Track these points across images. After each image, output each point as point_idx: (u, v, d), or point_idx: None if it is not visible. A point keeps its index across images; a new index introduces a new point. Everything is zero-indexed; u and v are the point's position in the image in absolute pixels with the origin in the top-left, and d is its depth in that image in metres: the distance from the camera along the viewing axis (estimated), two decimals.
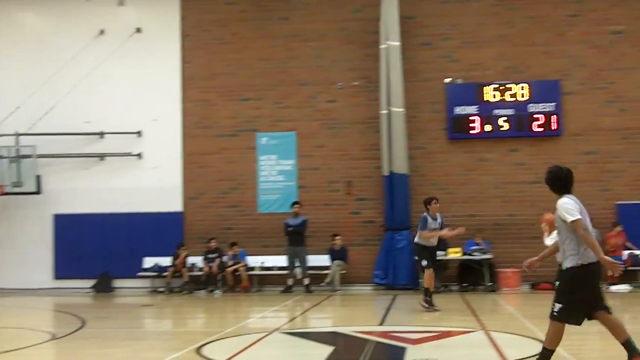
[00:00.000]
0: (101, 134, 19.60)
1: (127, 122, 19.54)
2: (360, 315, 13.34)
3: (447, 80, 18.70)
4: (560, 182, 7.24)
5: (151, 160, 19.54)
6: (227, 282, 18.31)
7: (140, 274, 18.97)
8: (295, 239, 17.80)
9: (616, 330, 7.04)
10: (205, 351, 8.93)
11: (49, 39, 20.12)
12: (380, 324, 11.78)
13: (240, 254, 18.49)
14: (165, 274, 18.54)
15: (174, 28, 19.69)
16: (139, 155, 19.55)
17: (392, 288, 17.66)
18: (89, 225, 19.47)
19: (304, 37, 19.42)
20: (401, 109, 18.24)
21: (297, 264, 17.91)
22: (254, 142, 19.36)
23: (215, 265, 18.31)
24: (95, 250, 19.27)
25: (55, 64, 19.66)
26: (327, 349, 9.03)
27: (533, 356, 7.41)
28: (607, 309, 6.99)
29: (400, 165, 18.18)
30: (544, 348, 7.08)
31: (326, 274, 18.09)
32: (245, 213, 19.27)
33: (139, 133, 19.57)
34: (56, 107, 19.30)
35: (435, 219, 13.28)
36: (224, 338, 10.24)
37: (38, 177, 18.97)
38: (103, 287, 19.02)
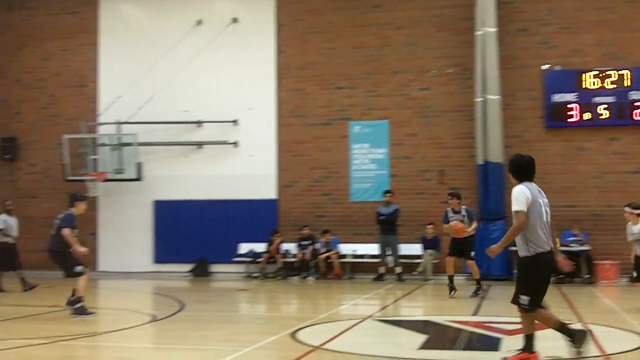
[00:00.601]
0: (199, 123, 20.09)
1: (223, 111, 19.97)
2: (452, 304, 13.26)
3: (545, 67, 18.27)
4: (521, 169, 7.28)
5: (247, 148, 19.91)
6: (319, 269, 18.53)
7: (235, 259, 19.41)
8: (387, 227, 17.83)
9: (528, 325, 7.17)
10: (300, 336, 9.10)
11: (149, 30, 20.75)
12: (474, 314, 11.69)
13: (333, 242, 18.66)
14: (259, 259, 18.91)
15: (269, 18, 19.97)
16: (235, 143, 19.95)
17: (485, 278, 17.42)
18: (187, 211, 20.04)
19: (397, 24, 19.35)
20: (497, 97, 17.96)
21: (388, 252, 17.94)
22: (346, 131, 19.45)
23: (308, 252, 18.56)
24: (193, 235, 19.83)
25: (154, 54, 20.28)
26: (421, 337, 9.04)
27: (633, 350, 7.23)
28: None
29: (496, 154, 17.91)
30: (525, 335, 7.16)
31: (418, 263, 18.05)
32: (337, 201, 19.42)
33: (235, 122, 19.97)
34: (156, 96, 19.89)
35: (458, 212, 13.93)
36: (317, 324, 10.39)
37: (139, 165, 19.63)
38: (200, 272, 19.55)
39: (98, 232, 20.71)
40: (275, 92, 19.90)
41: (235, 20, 20.18)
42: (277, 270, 18.68)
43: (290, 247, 19.00)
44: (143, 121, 19.84)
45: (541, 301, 7.20)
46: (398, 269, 17.69)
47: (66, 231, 11.49)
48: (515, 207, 7.05)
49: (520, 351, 7.18)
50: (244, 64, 20.06)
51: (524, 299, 7.08)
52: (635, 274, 12.12)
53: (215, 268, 19.74)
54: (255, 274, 18.91)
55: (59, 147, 19.98)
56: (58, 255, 11.75)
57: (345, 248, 18.80)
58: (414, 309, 13.75)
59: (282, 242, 18.98)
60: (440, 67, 18.97)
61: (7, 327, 10.55)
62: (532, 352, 7.12)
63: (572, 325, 7.38)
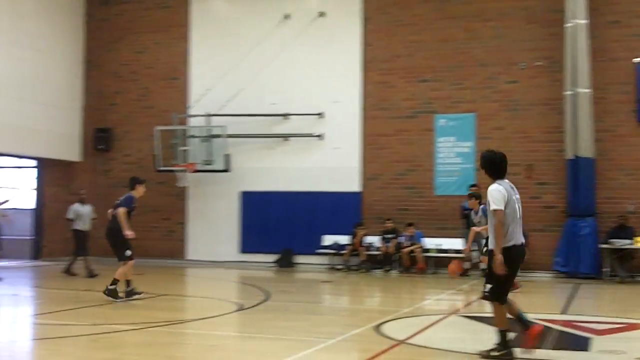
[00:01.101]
0: (285, 116, 20.34)
1: (309, 103, 20.16)
2: (540, 302, 13.06)
3: (638, 59, 17.70)
4: (495, 166, 7.43)
5: (332, 141, 20.05)
6: (403, 262, 18.52)
7: (319, 251, 19.60)
8: (472, 222, 17.62)
9: (499, 318, 7.39)
10: (384, 329, 9.16)
11: (238, 25, 21.11)
12: (563, 313, 11.50)
13: (417, 235, 18.61)
14: (343, 252, 19.04)
15: (356, 11, 20.00)
16: (320, 136, 20.12)
17: (574, 276, 17.08)
18: (273, 203, 20.34)
19: (484, 17, 19.08)
20: (588, 90, 17.51)
21: (474, 247, 17.73)
22: (432, 124, 19.34)
23: (391, 245, 18.57)
24: (278, 226, 20.13)
25: (243, 48, 20.64)
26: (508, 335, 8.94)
27: None
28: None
29: (586, 149, 17.47)
30: (498, 331, 7.36)
31: None
32: (421, 195, 19.34)
33: (320, 114, 20.12)
34: (244, 89, 20.24)
35: (477, 212, 14.10)
36: (400, 318, 10.42)
37: (227, 156, 20.02)
38: (285, 262, 19.83)
39: (187, 221, 21.26)
40: (360, 85, 19.95)
41: (322, 14, 20.30)
42: (361, 263, 18.78)
43: (374, 240, 19.05)
44: (232, 113, 20.23)
45: (504, 296, 7.35)
46: (483, 265, 17.47)
47: (121, 210, 12.01)
48: (493, 206, 7.23)
49: (499, 346, 7.33)
50: (330, 57, 20.19)
51: (487, 287, 7.31)
52: None
53: (300, 259, 19.98)
54: (338, 266, 19.05)
55: (151, 138, 20.60)
56: (114, 237, 12.20)
57: (429, 242, 18.71)
58: None
59: (365, 234, 19.05)
60: (529, 60, 18.62)
61: (98, 312, 11.00)
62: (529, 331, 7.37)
63: (511, 337, 7.47)
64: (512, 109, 18.72)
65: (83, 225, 16.70)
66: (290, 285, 16.10)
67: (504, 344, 7.36)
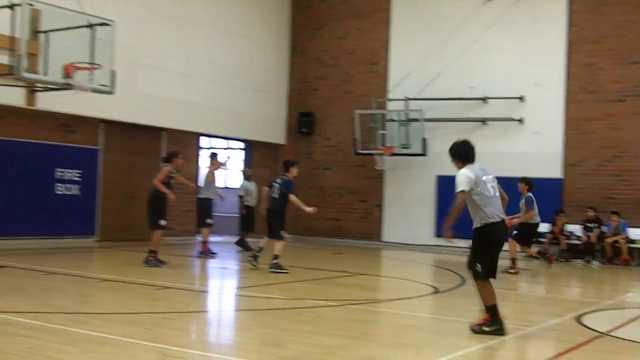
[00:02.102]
0: (484, 99, 20.10)
1: (509, 87, 19.77)
2: None
3: None
4: (462, 154, 8.12)
5: (532, 125, 19.56)
6: (605, 253, 17.76)
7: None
8: None
9: (487, 295, 7.97)
10: (585, 320, 8.96)
11: (439, 8, 21.08)
12: None
13: (621, 225, 17.76)
14: (542, 239, 18.56)
15: None
16: (520, 120, 19.69)
17: None
18: None
19: None
20: None
21: None
22: None
23: (593, 235, 17.87)
24: None
25: (443, 32, 20.62)
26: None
27: None
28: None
29: None
30: (487, 307, 7.88)
31: None
32: (629, 183, 18.39)
33: (521, 98, 19.68)
34: (443, 73, 20.24)
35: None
36: (601, 310, 10.11)
37: (424, 140, 20.13)
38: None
39: (384, 204, 21.67)
40: (564, 67, 19.26)
41: None
42: (560, 252, 18.21)
43: (575, 228, 18.41)
44: (430, 97, 20.32)
45: (494, 271, 8.00)
46: None
47: (293, 197, 12.83)
48: (456, 188, 7.89)
49: (490, 322, 7.81)
50: (532, 39, 19.65)
51: (478, 266, 7.94)
52: None
53: None
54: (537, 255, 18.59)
55: (351, 122, 21.17)
56: (275, 216, 13.01)
57: (635, 233, 17.79)
58: None
59: (566, 223, 18.45)
60: None
61: (300, 288, 11.60)
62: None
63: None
64: None
65: (251, 201, 17.87)
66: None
67: (494, 319, 7.83)
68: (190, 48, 19.62)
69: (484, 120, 20.19)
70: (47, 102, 15.50)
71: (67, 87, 13.48)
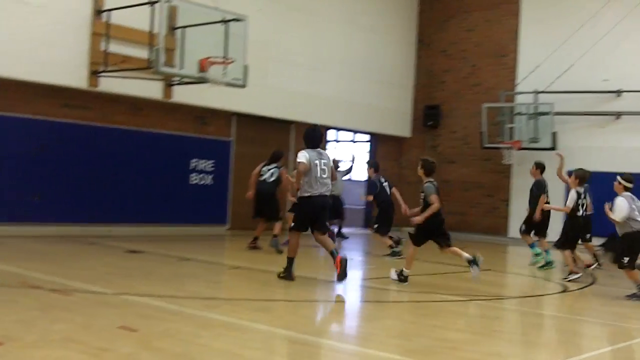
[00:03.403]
0: (618, 92, 19.38)
1: None
2: None
3: None
4: (307, 139, 10.26)
5: None
6: None
7: None
8: None
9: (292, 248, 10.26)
10: None
11: None
12: None
13: None
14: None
15: None
16: None
17: None
18: (604, 184, 19.50)
19: None
20: None
21: None
22: None
23: None
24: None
25: (575, 23, 19.96)
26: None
27: None
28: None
29: None
30: (288, 259, 10.23)
31: None
32: None
33: None
34: (574, 65, 19.62)
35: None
36: None
37: (554, 134, 19.64)
38: (610, 247, 18.96)
39: (510, 199, 21.30)
40: None
41: None
42: None
43: None
44: (560, 90, 19.77)
45: (302, 228, 10.19)
46: None
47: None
48: (298, 160, 10.07)
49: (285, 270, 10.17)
50: None
51: (291, 225, 10.31)
52: None
53: None
54: None
55: (477, 116, 20.93)
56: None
57: None
58: None
59: None
60: None
61: (428, 282, 11.63)
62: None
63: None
64: None
65: (336, 190, 17.94)
66: (616, 270, 15.42)
67: (289, 269, 10.13)
68: (319, 42, 19.95)
69: (617, 114, 19.46)
70: (182, 95, 16.21)
71: (202, 80, 14.03)
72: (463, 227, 21.75)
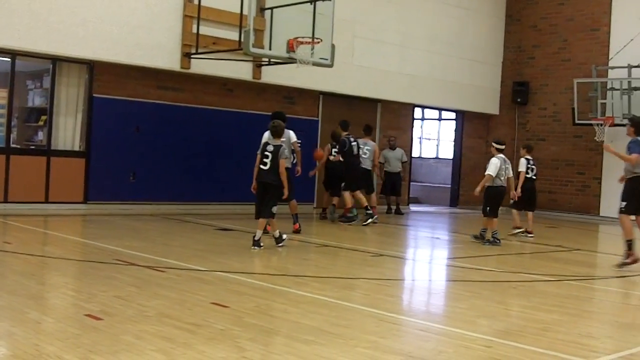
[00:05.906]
0: None
1: None
2: None
3: None
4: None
5: None
6: None
7: None
8: None
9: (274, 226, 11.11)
10: None
11: None
12: None
13: None
14: None
15: None
16: None
17: None
18: None
19: None
20: None
21: None
22: None
23: None
24: None
25: None
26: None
27: None
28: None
29: None
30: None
31: None
32: None
33: None
34: None
35: None
36: None
37: None
38: None
39: (602, 177, 20.75)
40: None
41: None
42: None
43: None
44: None
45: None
46: None
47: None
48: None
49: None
50: None
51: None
52: None
53: None
54: None
55: (568, 92, 20.43)
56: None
57: None
58: None
59: None
60: None
61: (518, 261, 11.54)
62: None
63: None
64: None
65: (390, 167, 18.75)
66: None
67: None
68: (406, 19, 19.82)
69: None
70: (271, 75, 16.45)
71: (290, 61, 14.20)
72: (554, 206, 21.38)
